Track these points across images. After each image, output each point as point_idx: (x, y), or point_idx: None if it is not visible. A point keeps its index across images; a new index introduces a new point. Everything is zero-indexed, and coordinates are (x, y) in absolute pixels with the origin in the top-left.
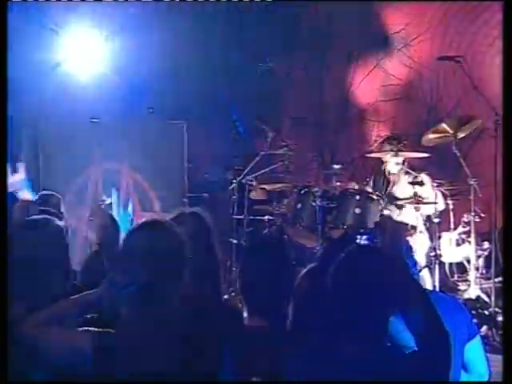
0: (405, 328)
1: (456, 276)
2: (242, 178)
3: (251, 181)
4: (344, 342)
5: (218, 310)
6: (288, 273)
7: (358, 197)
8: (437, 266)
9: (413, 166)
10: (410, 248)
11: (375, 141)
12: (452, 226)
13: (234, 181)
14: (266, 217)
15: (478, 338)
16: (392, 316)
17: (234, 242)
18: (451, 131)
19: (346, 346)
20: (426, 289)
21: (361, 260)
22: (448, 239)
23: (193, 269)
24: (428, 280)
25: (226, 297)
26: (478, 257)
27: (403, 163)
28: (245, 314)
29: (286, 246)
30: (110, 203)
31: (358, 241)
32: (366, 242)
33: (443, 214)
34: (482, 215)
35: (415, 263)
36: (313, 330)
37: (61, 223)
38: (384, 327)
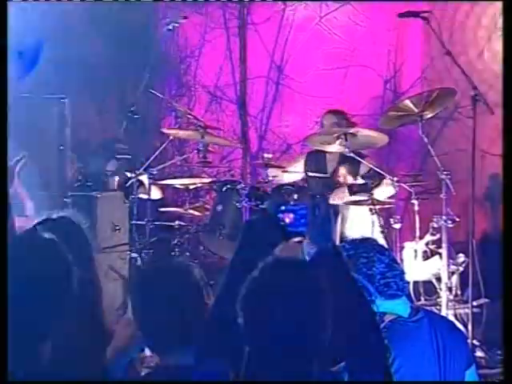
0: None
1: (423, 299)
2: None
3: (153, 175)
4: None
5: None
6: (196, 303)
7: (296, 195)
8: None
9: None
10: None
11: (316, 122)
12: (417, 233)
13: (133, 175)
14: (176, 222)
15: (474, 366)
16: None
17: (133, 255)
18: (416, 110)
19: None
20: (420, 308)
21: (280, 278)
22: (412, 251)
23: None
24: None
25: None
26: (452, 273)
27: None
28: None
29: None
30: None
31: (281, 220)
32: (291, 222)
33: (404, 216)
34: (457, 219)
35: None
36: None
37: None
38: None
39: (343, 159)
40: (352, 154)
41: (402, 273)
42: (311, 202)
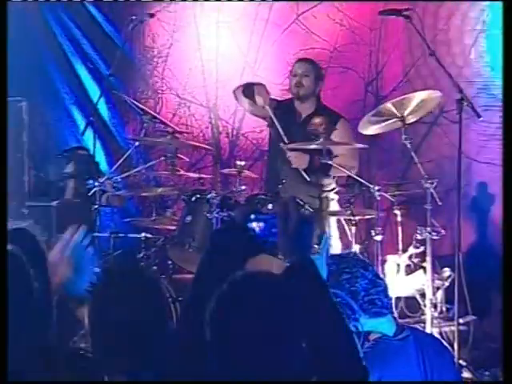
0: None
1: (406, 316)
2: (109, 180)
3: (117, 183)
4: None
5: None
6: (160, 321)
7: (270, 205)
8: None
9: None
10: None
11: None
12: (400, 246)
13: (96, 183)
14: (143, 234)
15: None
16: None
17: (96, 270)
18: (398, 114)
19: None
20: (405, 326)
21: (250, 292)
22: (394, 265)
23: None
24: None
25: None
26: (436, 289)
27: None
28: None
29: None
30: None
31: (250, 230)
32: (259, 232)
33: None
34: (442, 231)
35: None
36: None
37: None
38: None
39: (319, 109)
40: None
41: (386, 289)
42: (281, 210)
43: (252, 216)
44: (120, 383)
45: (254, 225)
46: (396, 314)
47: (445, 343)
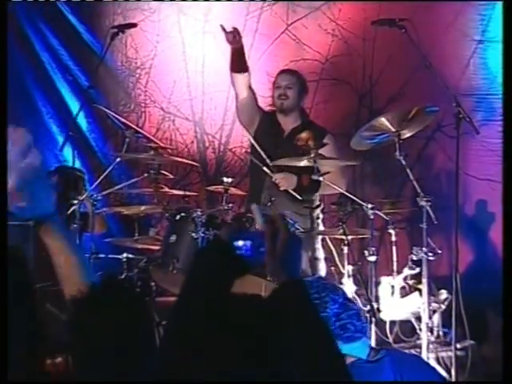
0: None
1: (401, 341)
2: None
3: (97, 201)
4: None
5: None
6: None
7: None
8: (373, 327)
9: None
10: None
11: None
12: (395, 267)
13: (75, 201)
14: (124, 255)
15: None
16: None
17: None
18: (393, 129)
19: None
20: (382, 349)
21: (235, 317)
22: (389, 287)
23: None
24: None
25: None
26: (433, 312)
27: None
28: None
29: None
30: None
31: (236, 248)
32: (246, 251)
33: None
34: (439, 251)
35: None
36: None
37: None
38: None
39: (305, 123)
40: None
41: (359, 312)
42: (269, 228)
43: (238, 234)
44: (120, 383)
45: (241, 243)
46: (391, 339)
47: (426, 360)
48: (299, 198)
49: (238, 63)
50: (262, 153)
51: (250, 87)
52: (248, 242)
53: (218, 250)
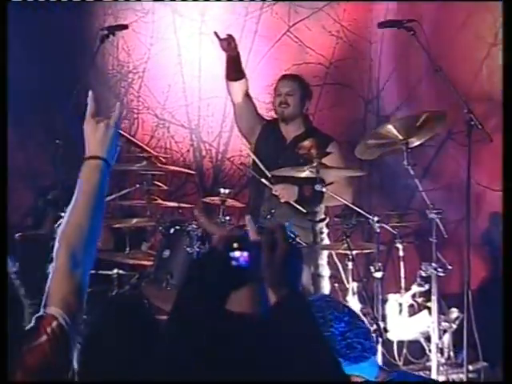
0: None
1: (409, 362)
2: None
3: None
4: None
5: None
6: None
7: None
8: (379, 347)
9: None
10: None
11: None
12: (403, 283)
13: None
14: (115, 271)
15: None
16: None
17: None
18: (400, 137)
19: None
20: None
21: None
22: (396, 305)
23: None
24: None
25: None
26: (443, 332)
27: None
28: None
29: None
30: None
31: (232, 260)
32: (243, 263)
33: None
34: (449, 267)
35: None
36: None
37: None
38: None
39: (308, 131)
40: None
41: (367, 331)
42: (267, 238)
43: (235, 245)
44: (120, 383)
45: (237, 254)
46: (400, 362)
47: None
48: (303, 210)
49: (234, 71)
50: (260, 164)
51: (247, 95)
52: (245, 253)
53: (213, 262)
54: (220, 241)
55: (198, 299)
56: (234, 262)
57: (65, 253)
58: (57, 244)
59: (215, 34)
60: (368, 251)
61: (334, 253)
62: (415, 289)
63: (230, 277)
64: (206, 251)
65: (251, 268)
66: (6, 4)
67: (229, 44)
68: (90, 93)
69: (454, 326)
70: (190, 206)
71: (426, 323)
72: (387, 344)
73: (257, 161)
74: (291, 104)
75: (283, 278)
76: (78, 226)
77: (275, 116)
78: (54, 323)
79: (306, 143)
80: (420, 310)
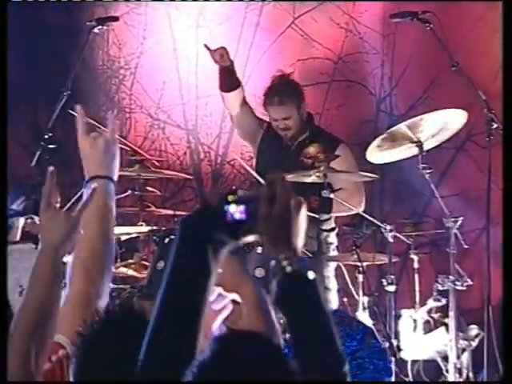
0: None
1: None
2: None
3: None
4: None
5: None
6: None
7: (259, 248)
8: (393, 367)
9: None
10: None
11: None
12: (417, 298)
13: None
14: None
15: None
16: None
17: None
18: (414, 138)
19: None
20: None
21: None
22: (411, 321)
23: None
24: None
25: None
26: (462, 351)
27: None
28: None
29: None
30: None
31: (228, 214)
32: (241, 216)
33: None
34: (468, 281)
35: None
36: None
37: None
38: None
39: (314, 134)
40: None
41: (383, 351)
42: (265, 189)
43: (230, 197)
44: (120, 383)
45: (233, 208)
46: (411, 378)
47: None
48: (314, 216)
49: (228, 82)
50: (256, 174)
51: (245, 103)
52: (241, 207)
53: (206, 216)
54: (213, 195)
55: (189, 258)
56: (229, 217)
57: (82, 279)
58: (69, 270)
59: (205, 46)
60: (380, 263)
61: (341, 264)
62: (431, 304)
63: (223, 232)
64: (199, 206)
65: (248, 223)
66: (5, 4)
67: (221, 56)
68: (79, 108)
69: (474, 345)
70: (186, 213)
71: (442, 341)
72: (401, 364)
73: (252, 172)
74: (292, 126)
75: (281, 234)
76: (92, 250)
77: None
78: (61, 352)
79: (312, 150)
80: (436, 327)
